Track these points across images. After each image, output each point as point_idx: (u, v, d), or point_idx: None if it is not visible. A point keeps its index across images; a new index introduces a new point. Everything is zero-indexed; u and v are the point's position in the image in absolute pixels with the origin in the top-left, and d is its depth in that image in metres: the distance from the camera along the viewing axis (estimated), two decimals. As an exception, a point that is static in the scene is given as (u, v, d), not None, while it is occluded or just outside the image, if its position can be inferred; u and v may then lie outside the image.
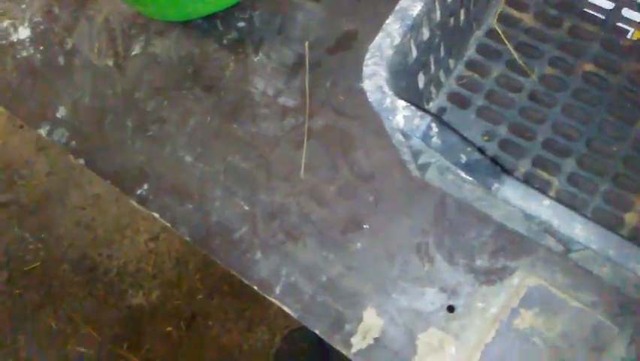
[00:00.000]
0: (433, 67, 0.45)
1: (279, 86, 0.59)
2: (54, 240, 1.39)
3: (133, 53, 0.63)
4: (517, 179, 0.38)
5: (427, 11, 0.37)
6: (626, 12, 0.50)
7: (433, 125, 0.35)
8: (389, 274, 0.51)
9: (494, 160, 0.48)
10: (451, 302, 0.49)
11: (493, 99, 0.51)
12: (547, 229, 0.40)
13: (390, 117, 0.35)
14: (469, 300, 0.49)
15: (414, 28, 0.37)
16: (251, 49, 0.60)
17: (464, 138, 0.38)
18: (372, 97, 0.36)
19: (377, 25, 0.37)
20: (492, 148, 0.50)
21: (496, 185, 0.37)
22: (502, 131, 0.50)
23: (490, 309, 0.48)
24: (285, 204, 0.54)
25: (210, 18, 0.62)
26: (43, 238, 1.39)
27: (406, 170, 0.52)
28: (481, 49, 0.51)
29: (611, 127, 0.48)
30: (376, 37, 0.36)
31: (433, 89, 0.49)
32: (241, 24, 0.62)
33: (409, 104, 0.35)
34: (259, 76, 0.59)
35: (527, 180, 0.48)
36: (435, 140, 0.35)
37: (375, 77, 0.36)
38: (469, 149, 0.36)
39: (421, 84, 0.45)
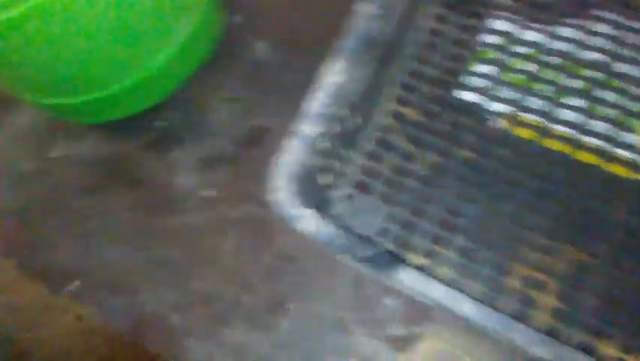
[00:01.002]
0: (337, 164, 0.51)
1: (200, 179, 0.63)
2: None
3: (55, 155, 0.65)
4: (411, 266, 0.45)
5: (324, 129, 0.44)
6: (491, 105, 0.59)
7: (335, 229, 0.41)
8: (314, 349, 0.55)
9: (390, 252, 0.54)
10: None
11: (392, 185, 0.58)
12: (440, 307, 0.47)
13: (297, 224, 0.41)
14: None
15: (314, 143, 0.43)
16: (170, 146, 0.65)
17: (364, 238, 0.45)
18: (278, 209, 0.41)
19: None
20: (394, 229, 0.56)
21: (392, 273, 0.43)
22: (402, 213, 0.57)
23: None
24: (213, 290, 0.58)
25: (130, 118, 0.66)
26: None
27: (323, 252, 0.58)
28: (377, 142, 0.59)
29: (488, 203, 0.56)
30: (280, 157, 0.42)
31: (339, 181, 0.56)
32: (160, 123, 0.66)
33: (313, 211, 0.41)
34: (180, 171, 0.64)
35: (429, 254, 0.55)
36: (338, 242, 0.41)
37: (280, 191, 0.42)
38: (367, 246, 0.42)
39: (327, 180, 0.51)
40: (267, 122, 0.64)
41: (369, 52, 0.45)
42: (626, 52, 0.58)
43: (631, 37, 0.58)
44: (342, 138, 0.49)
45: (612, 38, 0.59)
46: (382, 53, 0.48)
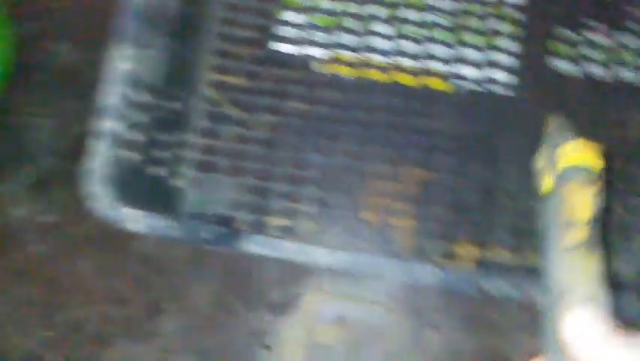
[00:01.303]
0: (166, 155, 0.49)
1: (35, 206, 0.58)
2: None
3: None
4: (273, 230, 0.45)
5: (130, 122, 0.41)
6: (309, 50, 0.59)
7: (167, 220, 0.39)
8: (204, 341, 0.54)
9: (249, 222, 0.54)
10: (265, 342, 0.55)
11: (234, 156, 0.56)
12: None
13: (127, 226, 0.39)
14: (277, 336, 0.54)
15: (118, 140, 0.40)
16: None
17: (219, 217, 0.44)
18: (102, 215, 0.39)
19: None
20: (247, 199, 0.56)
21: (243, 243, 0.42)
22: (251, 181, 0.56)
23: (295, 336, 0.54)
24: (81, 315, 0.55)
25: None
26: None
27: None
28: (208, 116, 0.57)
29: (330, 148, 0.57)
30: (85, 161, 0.39)
31: (180, 169, 0.53)
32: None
33: (138, 209, 0.39)
34: (9, 204, 0.58)
35: (287, 213, 0.55)
36: (174, 231, 0.40)
37: (99, 196, 0.39)
38: (208, 227, 0.41)
39: (161, 173, 0.49)
40: (88, 128, 0.60)
41: (158, 29, 0.42)
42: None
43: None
44: (164, 123, 0.47)
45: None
46: (177, 26, 0.46)
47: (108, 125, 0.39)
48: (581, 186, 0.33)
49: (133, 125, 0.42)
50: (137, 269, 0.56)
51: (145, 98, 0.43)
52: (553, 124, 0.38)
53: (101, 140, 0.39)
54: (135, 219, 0.39)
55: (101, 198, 0.39)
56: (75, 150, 0.59)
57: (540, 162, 0.37)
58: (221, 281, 0.56)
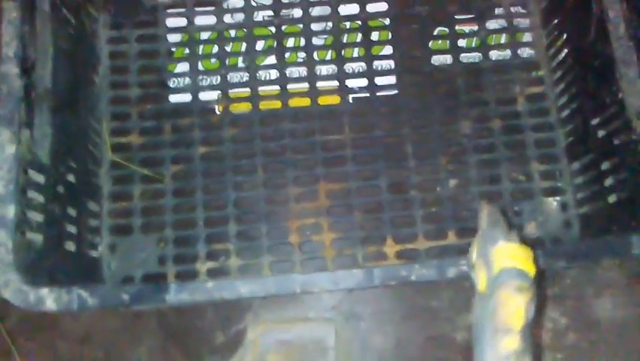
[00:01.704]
0: (74, 229, 0.49)
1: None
2: None
3: None
4: (181, 280, 0.45)
5: (25, 205, 0.41)
6: (205, 95, 0.61)
7: (82, 292, 0.39)
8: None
9: (176, 274, 0.55)
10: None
11: (148, 212, 0.57)
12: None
13: (42, 307, 0.38)
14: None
15: (20, 224, 0.40)
16: None
17: (145, 277, 0.44)
18: (16, 301, 0.38)
19: None
20: (171, 250, 0.56)
21: (166, 296, 0.43)
22: (170, 233, 0.56)
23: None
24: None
25: None
26: None
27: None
28: (115, 180, 0.57)
29: (240, 183, 0.58)
30: (-9, 252, 0.39)
31: (93, 238, 0.53)
32: None
33: (50, 288, 0.39)
34: None
35: (213, 255, 0.56)
36: (91, 301, 0.40)
37: (9, 283, 0.39)
38: (125, 288, 0.41)
39: (73, 248, 0.49)
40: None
41: (33, 109, 0.43)
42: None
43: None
44: (62, 198, 0.47)
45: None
46: (56, 101, 0.46)
47: (4, 211, 0.39)
48: (516, 292, 0.33)
49: (30, 207, 0.42)
50: (70, 348, 0.55)
51: (37, 177, 0.43)
52: (487, 215, 0.39)
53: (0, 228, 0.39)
54: (46, 299, 0.39)
55: (9, 285, 0.38)
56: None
57: (473, 255, 0.37)
58: (160, 339, 0.56)
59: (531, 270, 0.34)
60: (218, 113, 0.60)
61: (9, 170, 0.40)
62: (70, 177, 0.49)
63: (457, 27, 0.63)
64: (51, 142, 0.45)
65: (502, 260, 0.35)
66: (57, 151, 0.46)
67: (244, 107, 0.61)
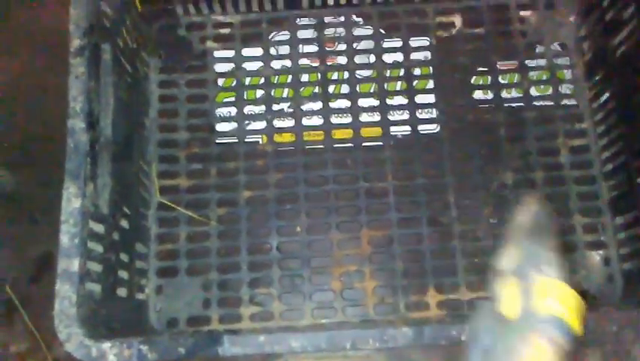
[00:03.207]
0: (125, 275, 0.50)
1: (2, 338, 0.58)
2: None
3: None
4: (233, 332, 0.46)
5: (87, 257, 0.42)
6: (251, 139, 0.62)
7: (142, 347, 0.40)
8: None
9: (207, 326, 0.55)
10: None
11: (194, 255, 0.58)
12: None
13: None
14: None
15: (83, 277, 0.41)
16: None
17: (190, 322, 0.44)
18: (78, 355, 0.39)
19: None
20: (215, 293, 0.57)
21: (219, 348, 0.43)
22: (214, 276, 0.57)
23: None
24: None
25: None
26: None
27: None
28: (162, 222, 0.58)
29: (284, 227, 0.59)
30: (55, 304, 0.40)
31: (140, 280, 0.54)
32: None
33: (112, 342, 0.40)
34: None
35: (255, 302, 0.56)
36: (150, 356, 0.40)
37: (72, 338, 0.40)
38: (181, 340, 0.42)
39: (124, 293, 0.50)
40: (44, 249, 0.60)
41: (97, 161, 0.44)
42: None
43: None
44: (117, 246, 0.48)
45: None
46: (116, 150, 0.48)
47: (69, 264, 0.40)
48: (553, 346, 0.29)
49: (91, 258, 0.43)
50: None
51: (98, 228, 0.44)
52: (535, 216, 0.34)
53: (64, 280, 0.40)
54: (108, 353, 0.40)
55: (73, 338, 0.39)
56: (35, 276, 0.59)
57: (506, 262, 0.33)
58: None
59: (577, 328, 0.30)
60: (263, 157, 0.61)
61: (75, 224, 0.41)
62: (124, 223, 0.50)
63: (500, 77, 0.63)
64: (110, 192, 0.46)
65: (549, 300, 0.30)
66: (114, 199, 0.47)
67: (289, 153, 0.61)
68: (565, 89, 0.63)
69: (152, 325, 0.55)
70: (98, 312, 0.43)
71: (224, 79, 0.63)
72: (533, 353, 0.29)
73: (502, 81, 0.64)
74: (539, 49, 0.64)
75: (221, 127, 0.62)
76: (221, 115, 0.62)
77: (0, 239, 0.60)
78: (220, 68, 0.63)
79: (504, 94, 0.63)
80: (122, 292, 0.49)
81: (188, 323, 0.56)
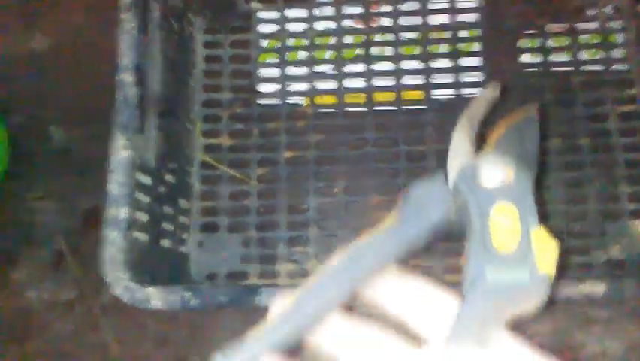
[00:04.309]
0: (170, 227, 0.51)
1: (52, 286, 0.60)
2: None
3: None
4: (274, 284, 0.47)
5: (134, 206, 0.44)
6: (292, 101, 0.62)
7: (185, 293, 0.42)
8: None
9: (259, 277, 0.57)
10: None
11: (234, 212, 0.59)
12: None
13: (148, 306, 0.41)
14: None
15: (130, 225, 0.43)
16: (7, 269, 0.61)
17: (230, 276, 0.46)
18: (125, 298, 0.41)
19: None
20: (254, 250, 0.58)
21: (257, 298, 0.45)
22: (253, 233, 0.58)
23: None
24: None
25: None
26: None
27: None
28: (203, 180, 0.60)
29: (323, 188, 0.59)
30: (103, 250, 0.42)
31: (182, 234, 0.56)
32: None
33: (157, 287, 0.41)
34: (28, 288, 0.60)
35: (292, 260, 0.58)
36: (193, 302, 0.42)
37: (119, 281, 0.41)
38: (222, 289, 0.44)
39: (168, 245, 0.51)
40: (93, 202, 0.62)
41: (145, 115, 0.45)
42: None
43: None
44: (162, 198, 0.49)
45: None
46: (164, 105, 0.49)
47: (117, 212, 0.42)
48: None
49: (138, 207, 0.45)
50: (157, 326, 0.58)
51: (145, 179, 0.46)
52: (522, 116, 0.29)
53: (112, 227, 0.42)
54: (152, 298, 0.41)
55: (119, 282, 0.41)
56: (83, 227, 0.62)
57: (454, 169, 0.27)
58: (239, 323, 0.58)
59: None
60: (304, 119, 0.62)
61: (123, 174, 0.42)
62: (169, 178, 0.51)
63: (548, 40, 0.62)
64: (156, 145, 0.47)
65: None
66: (160, 154, 0.48)
67: (330, 115, 0.62)
68: (616, 53, 0.61)
69: (192, 278, 0.57)
70: (143, 260, 0.45)
71: (267, 40, 0.63)
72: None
73: (551, 45, 0.62)
74: (590, 11, 0.62)
75: (263, 88, 0.63)
76: (264, 76, 0.63)
77: (50, 191, 0.63)
78: (264, 28, 0.64)
79: (552, 58, 0.61)
80: (165, 243, 0.51)
81: (227, 277, 0.57)
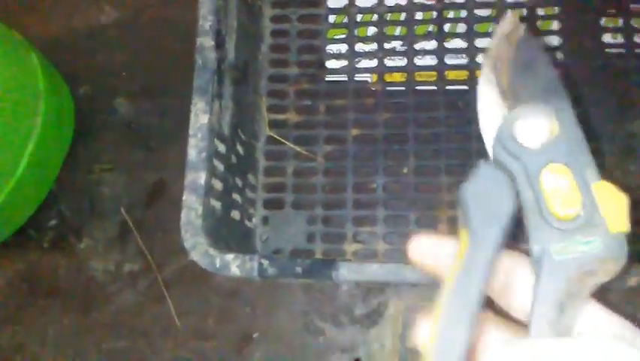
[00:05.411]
0: (239, 199, 0.51)
1: (116, 257, 0.61)
2: None
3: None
4: (347, 260, 0.46)
5: (211, 172, 0.43)
6: (361, 78, 0.61)
7: (263, 261, 0.41)
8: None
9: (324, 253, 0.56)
10: (355, 356, 0.55)
11: (300, 190, 0.58)
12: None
13: (226, 272, 0.40)
14: (367, 347, 0.55)
15: (208, 191, 0.43)
16: (73, 239, 0.62)
17: (295, 252, 0.45)
18: (203, 263, 0.41)
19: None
20: (318, 229, 0.57)
21: (334, 272, 0.43)
22: (319, 211, 0.57)
23: (385, 344, 0.55)
24: (174, 357, 0.57)
25: (20, 231, 0.62)
26: None
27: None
28: (269, 155, 0.59)
29: (390, 167, 0.58)
30: (182, 214, 0.41)
31: (249, 209, 0.55)
32: (53, 222, 0.63)
33: (235, 254, 0.41)
34: (93, 259, 0.61)
35: (358, 240, 0.56)
36: (270, 270, 0.41)
37: (197, 247, 0.41)
38: (298, 260, 0.43)
39: (237, 216, 0.51)
40: (158, 176, 0.62)
41: (222, 81, 0.44)
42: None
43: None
44: (233, 168, 0.49)
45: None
46: (237, 75, 0.48)
47: (196, 176, 0.42)
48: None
49: (214, 175, 0.44)
50: (219, 301, 0.58)
51: (221, 146, 0.45)
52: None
53: (191, 191, 0.41)
54: (232, 264, 0.41)
55: (199, 248, 0.41)
56: (148, 199, 0.62)
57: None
58: (302, 303, 0.57)
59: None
60: (372, 96, 0.60)
61: (202, 138, 0.42)
62: (240, 149, 0.50)
63: (632, 20, 0.58)
64: (231, 114, 0.46)
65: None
66: (234, 123, 0.47)
67: (399, 93, 0.60)
68: None
69: (258, 253, 0.56)
70: (218, 228, 0.44)
71: (335, 15, 0.62)
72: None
73: (635, 25, 0.59)
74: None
75: (331, 64, 0.61)
76: (332, 52, 0.62)
77: (117, 163, 0.63)
78: (332, 3, 0.62)
79: (636, 38, 0.58)
80: (235, 214, 0.50)
81: (292, 254, 0.57)
